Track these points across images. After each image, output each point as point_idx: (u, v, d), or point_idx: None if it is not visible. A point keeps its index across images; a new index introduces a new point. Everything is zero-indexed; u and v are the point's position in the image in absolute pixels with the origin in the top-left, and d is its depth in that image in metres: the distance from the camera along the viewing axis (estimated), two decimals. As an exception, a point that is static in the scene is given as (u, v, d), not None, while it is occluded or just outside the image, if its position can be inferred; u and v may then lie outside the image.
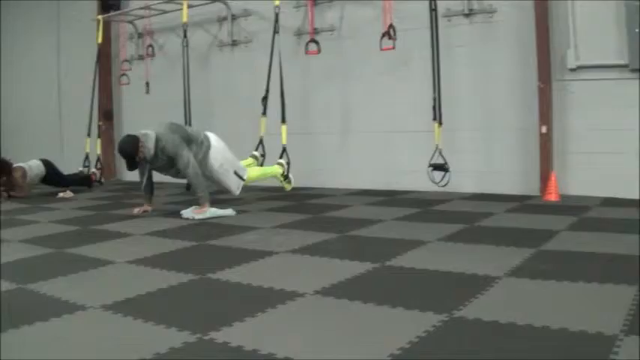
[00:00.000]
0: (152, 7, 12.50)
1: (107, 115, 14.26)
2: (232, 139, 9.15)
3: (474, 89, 9.16)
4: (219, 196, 8.98)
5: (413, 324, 3.44)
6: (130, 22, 13.69)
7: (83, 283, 4.79)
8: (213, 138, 8.36)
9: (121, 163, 13.22)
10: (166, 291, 4.41)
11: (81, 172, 12.44)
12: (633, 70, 8.08)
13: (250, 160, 9.31)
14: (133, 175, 8.38)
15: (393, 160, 9.90)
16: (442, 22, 8.90)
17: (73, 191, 11.25)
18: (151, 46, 13.24)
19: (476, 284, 4.19)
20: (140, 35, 13.76)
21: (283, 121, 9.40)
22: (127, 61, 13.52)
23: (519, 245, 5.39)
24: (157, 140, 7.79)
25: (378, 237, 6.07)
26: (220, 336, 3.41)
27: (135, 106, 14.00)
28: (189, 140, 8.01)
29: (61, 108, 15.96)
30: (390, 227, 6.61)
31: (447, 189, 8.58)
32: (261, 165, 9.41)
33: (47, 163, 11.57)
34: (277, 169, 9.20)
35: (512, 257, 4.95)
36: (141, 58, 13.60)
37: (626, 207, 7.44)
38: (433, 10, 8.72)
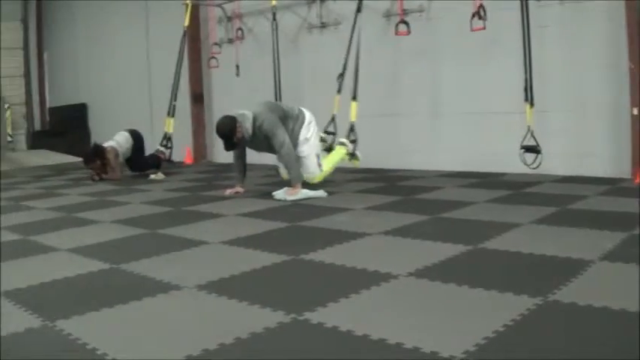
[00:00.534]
0: (241, -10, 12.53)
1: (197, 97, 14.39)
2: (322, 120, 9.15)
3: (564, 70, 8.96)
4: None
5: (507, 307, 3.39)
6: (219, 5, 13.75)
7: (177, 263, 4.85)
8: (308, 115, 8.38)
9: (212, 144, 13.37)
10: (260, 271, 4.43)
11: (157, 150, 12.40)
12: None
13: (342, 149, 9.16)
14: (224, 157, 8.43)
15: (484, 141, 9.77)
16: (532, 3, 8.72)
17: (165, 173, 11.37)
18: (240, 29, 13.28)
19: (569, 268, 4.10)
20: (229, 18, 13.82)
21: (354, 98, 9.32)
22: (216, 44, 13.60)
23: (612, 229, 5.24)
24: (255, 119, 7.81)
25: (471, 219, 5.99)
26: (315, 316, 3.40)
27: (224, 89, 14.10)
28: (285, 117, 8.05)
29: (151, 90, 16.16)
30: (482, 209, 6.51)
31: (538, 171, 8.42)
32: (331, 144, 9.29)
33: (135, 134, 11.67)
34: (341, 153, 9.01)
35: (605, 241, 4.83)
36: (230, 41, 13.66)
37: None
38: (524, -11, 8.59)
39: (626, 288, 3.66)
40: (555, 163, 8.71)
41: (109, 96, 18.09)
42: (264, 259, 4.76)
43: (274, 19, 10.73)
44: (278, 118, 7.93)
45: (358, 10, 9.57)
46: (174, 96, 12.62)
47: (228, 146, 7.89)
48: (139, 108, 16.39)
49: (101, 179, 11.11)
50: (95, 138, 16.39)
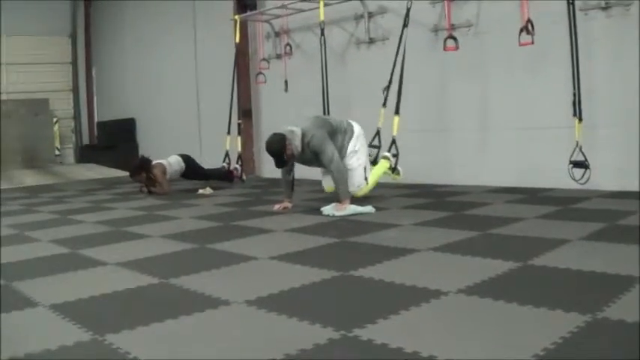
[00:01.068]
0: (289, 6, 12.55)
1: (245, 113, 14.45)
2: (370, 135, 9.13)
3: (612, 84, 8.84)
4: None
5: (557, 324, 3.33)
6: (267, 21, 13.80)
7: (226, 279, 4.84)
8: (357, 128, 8.38)
9: (260, 159, 13.42)
10: (309, 287, 4.40)
11: (223, 167, 12.59)
12: None
13: (385, 163, 9.12)
14: (272, 172, 8.45)
15: (532, 156, 9.67)
16: (579, 16, 8.63)
17: (213, 188, 11.41)
18: (288, 44, 13.32)
19: (618, 285, 4.02)
20: (277, 34, 13.87)
21: (397, 112, 9.24)
22: (264, 60, 13.64)
23: (663, 245, 5.17)
24: (303, 135, 7.82)
25: (519, 235, 5.92)
26: (364, 333, 3.36)
27: (272, 105, 14.14)
28: (334, 132, 8.04)
29: (199, 105, 16.26)
30: (530, 225, 6.43)
31: (587, 186, 8.32)
32: (376, 158, 9.25)
33: (187, 159, 11.79)
34: (385, 166, 8.93)
35: (654, 257, 4.75)
36: (278, 56, 13.70)
37: None
38: (571, 3, 8.47)
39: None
40: (604, 178, 8.59)
41: (158, 111, 18.24)
42: (313, 275, 4.74)
43: (322, 34, 10.73)
44: (326, 133, 7.93)
45: (405, 25, 9.54)
46: (231, 113, 12.75)
47: (279, 164, 7.92)
48: (187, 123, 16.52)
49: (150, 192, 11.18)
50: (143, 152, 16.45)
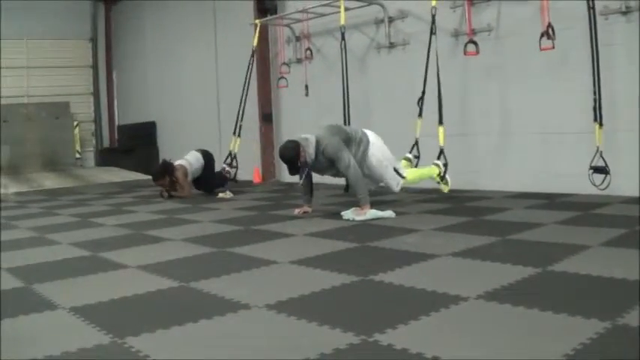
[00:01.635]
0: (309, 10, 12.56)
1: (266, 117, 14.45)
2: (390, 141, 9.10)
3: (633, 89, 8.78)
4: (378, 197, 8.94)
5: (577, 331, 3.32)
6: (287, 25, 13.82)
7: (246, 283, 4.84)
8: (371, 135, 8.36)
9: (280, 164, 13.41)
10: (329, 292, 4.39)
11: (223, 168, 12.49)
12: None
13: (404, 162, 9.22)
14: (292, 177, 8.44)
15: (552, 162, 9.63)
16: (599, 20, 8.59)
17: (233, 192, 11.42)
18: (309, 49, 13.33)
19: (638, 291, 4.01)
20: (298, 38, 13.88)
21: (440, 122, 9.28)
22: (285, 64, 13.66)
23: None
24: (318, 143, 7.85)
25: (540, 241, 5.89)
26: (385, 338, 3.36)
27: (293, 109, 14.16)
28: (348, 140, 8.03)
29: (220, 108, 16.29)
30: (550, 231, 6.41)
31: (607, 192, 8.28)
32: (416, 167, 9.32)
33: (206, 154, 11.79)
34: (434, 170, 9.10)
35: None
36: (299, 61, 13.72)
37: None
38: (591, 8, 8.44)
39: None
40: (624, 183, 8.54)
41: (178, 114, 18.28)
42: (333, 279, 4.73)
43: (343, 38, 10.72)
44: (341, 140, 7.94)
45: (432, 32, 9.53)
46: (241, 116, 12.69)
47: (292, 171, 8.01)
48: (208, 126, 16.55)
49: (170, 196, 11.21)
50: (164, 156, 16.52)
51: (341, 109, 10.60)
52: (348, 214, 7.79)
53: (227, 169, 12.32)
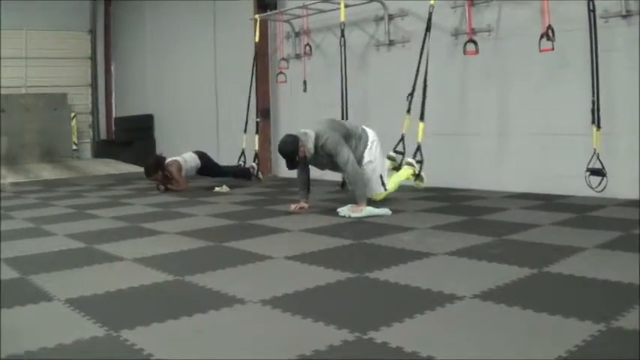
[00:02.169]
0: (309, 6, 12.57)
1: (263, 112, 14.45)
2: (387, 138, 9.12)
3: (632, 92, 8.78)
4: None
5: (571, 333, 3.34)
6: (287, 21, 13.81)
7: (241, 277, 4.86)
8: (371, 134, 8.38)
9: (277, 159, 13.42)
10: (324, 288, 4.40)
11: (239, 165, 12.63)
12: None
13: (388, 163, 9.17)
14: (289, 172, 8.44)
15: (549, 163, 9.62)
16: (599, 23, 8.57)
17: (230, 186, 11.42)
18: (308, 45, 13.33)
19: (633, 294, 4.02)
20: (297, 34, 13.88)
21: (422, 118, 9.24)
22: (284, 59, 13.66)
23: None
24: (317, 138, 7.85)
25: (535, 242, 5.90)
26: (379, 336, 3.37)
27: (291, 104, 14.15)
28: (348, 136, 8.04)
29: (218, 102, 16.28)
30: (546, 232, 6.41)
31: (604, 194, 8.28)
32: (400, 163, 9.26)
33: (202, 155, 11.83)
34: (408, 172, 9.02)
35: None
36: (298, 57, 13.72)
37: None
38: (592, 11, 8.42)
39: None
40: (621, 186, 8.55)
41: (176, 108, 18.27)
42: (328, 276, 4.74)
43: (342, 35, 10.71)
44: (341, 135, 7.94)
45: (427, 29, 9.53)
46: (248, 112, 12.78)
47: (291, 165, 8.00)
48: (206, 120, 16.54)
49: (167, 189, 11.21)
50: (161, 149, 16.53)
51: (339, 105, 10.60)
52: (345, 210, 7.79)
53: (253, 165, 12.55)
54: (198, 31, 17.03)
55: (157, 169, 11.26)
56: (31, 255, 5.88)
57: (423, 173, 8.99)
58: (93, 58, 22.14)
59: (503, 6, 10.07)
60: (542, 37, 8.76)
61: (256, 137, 12.87)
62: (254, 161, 12.77)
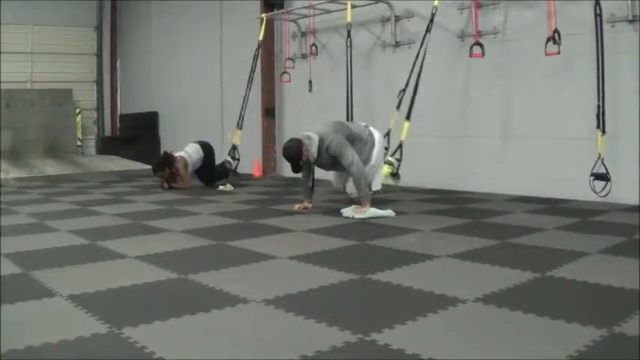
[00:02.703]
0: (316, 6, 12.57)
1: (268, 111, 14.46)
2: (391, 138, 9.12)
3: (637, 97, 8.79)
4: (378, 196, 8.91)
5: (573, 338, 3.34)
6: (294, 20, 13.82)
7: (245, 277, 4.86)
8: (377, 136, 8.37)
9: (281, 159, 13.40)
10: (327, 289, 4.41)
11: (226, 161, 12.50)
12: None
13: (387, 168, 9.13)
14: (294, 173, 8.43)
15: (553, 167, 9.61)
16: (606, 28, 8.57)
17: (234, 185, 11.42)
18: (314, 45, 13.33)
19: (635, 300, 4.02)
20: (303, 34, 13.88)
21: (408, 117, 9.25)
22: (290, 59, 13.66)
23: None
24: (321, 140, 7.84)
25: (538, 246, 5.89)
26: (382, 338, 3.37)
27: (296, 104, 14.16)
28: (352, 139, 8.02)
29: (223, 101, 16.28)
30: (550, 236, 6.40)
31: (607, 199, 8.27)
32: (398, 169, 9.25)
33: (205, 146, 11.78)
34: (386, 170, 8.95)
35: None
36: (304, 56, 13.72)
37: None
38: (598, 15, 8.42)
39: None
40: (625, 191, 8.54)
41: (181, 105, 18.27)
42: (331, 276, 4.74)
43: (349, 36, 10.71)
44: (345, 138, 7.93)
45: (428, 30, 9.53)
46: (244, 109, 12.69)
47: (295, 169, 8.04)
48: (211, 118, 16.54)
49: (170, 188, 11.21)
50: (165, 146, 16.53)
51: (344, 105, 10.60)
52: (348, 211, 7.80)
53: (229, 159, 12.33)
54: (204, 29, 17.04)
55: (165, 166, 11.26)
56: (34, 250, 5.89)
57: (400, 172, 8.97)
58: (99, 55, 22.16)
59: (510, 8, 10.06)
60: (548, 40, 8.76)
61: (239, 132, 12.71)
62: (233, 156, 12.57)
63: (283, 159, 8.19)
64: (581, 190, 8.51)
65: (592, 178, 8.30)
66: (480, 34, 10.18)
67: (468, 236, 6.38)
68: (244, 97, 12.75)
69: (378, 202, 8.29)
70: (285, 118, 14.60)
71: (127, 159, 18.22)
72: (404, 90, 9.59)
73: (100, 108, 22.34)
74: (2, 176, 13.87)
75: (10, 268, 5.10)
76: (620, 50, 8.73)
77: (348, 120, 10.24)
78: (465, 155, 10.62)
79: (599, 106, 8.32)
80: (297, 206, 8.39)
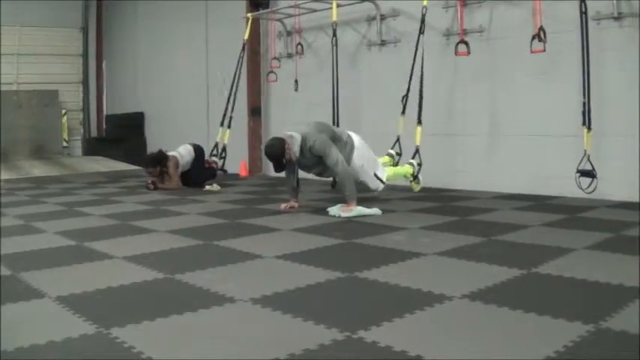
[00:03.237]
0: (301, 5, 12.58)
1: (254, 111, 14.45)
2: (379, 139, 9.14)
3: (623, 94, 8.79)
4: (365, 194, 8.91)
5: (560, 333, 3.35)
6: (279, 20, 13.82)
7: (232, 276, 4.85)
8: (356, 138, 8.34)
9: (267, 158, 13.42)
10: (314, 288, 4.41)
11: (212, 160, 12.45)
12: None
13: (387, 158, 9.33)
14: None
15: (539, 164, 9.64)
16: (591, 25, 8.60)
17: (220, 184, 11.42)
18: (300, 44, 13.34)
19: (622, 295, 4.04)
20: (289, 33, 13.88)
21: (419, 122, 9.32)
22: (276, 58, 13.66)
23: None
24: (304, 140, 7.84)
25: (525, 243, 5.91)
26: (369, 335, 3.38)
27: (282, 104, 14.16)
28: (334, 139, 8.02)
29: (209, 101, 16.26)
30: (536, 233, 6.42)
31: (594, 196, 8.30)
32: (397, 163, 9.36)
33: (197, 148, 11.77)
34: (408, 169, 9.18)
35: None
36: (290, 56, 13.72)
37: None
38: (583, 12, 8.43)
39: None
40: (611, 187, 8.57)
41: (167, 106, 18.26)
42: (318, 275, 4.75)
43: (334, 35, 10.71)
44: (328, 137, 7.94)
45: (421, 32, 9.56)
46: (231, 107, 12.68)
47: (277, 168, 8.03)
48: (197, 118, 16.53)
49: (156, 188, 11.18)
50: (151, 147, 16.49)
51: (330, 105, 10.59)
52: (335, 210, 7.81)
53: (214, 158, 12.32)
54: (190, 29, 17.02)
55: (158, 163, 11.23)
56: (22, 252, 5.88)
57: (420, 176, 9.06)
58: (85, 56, 22.10)
59: (495, 7, 10.09)
60: (533, 38, 8.79)
61: (227, 131, 12.73)
62: (219, 155, 12.57)
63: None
64: (568, 186, 8.53)
65: (578, 174, 8.32)
66: (465, 32, 10.20)
67: (455, 234, 6.40)
68: (230, 97, 12.74)
69: (364, 200, 8.29)
70: (271, 117, 14.59)
71: (113, 160, 18.18)
72: (406, 95, 9.63)
73: (86, 109, 22.27)
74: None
75: (-2, 270, 5.11)
76: (606, 47, 8.76)
77: (333, 120, 10.25)
78: (452, 153, 10.65)
79: (584, 103, 8.36)
80: (283, 205, 8.39)
